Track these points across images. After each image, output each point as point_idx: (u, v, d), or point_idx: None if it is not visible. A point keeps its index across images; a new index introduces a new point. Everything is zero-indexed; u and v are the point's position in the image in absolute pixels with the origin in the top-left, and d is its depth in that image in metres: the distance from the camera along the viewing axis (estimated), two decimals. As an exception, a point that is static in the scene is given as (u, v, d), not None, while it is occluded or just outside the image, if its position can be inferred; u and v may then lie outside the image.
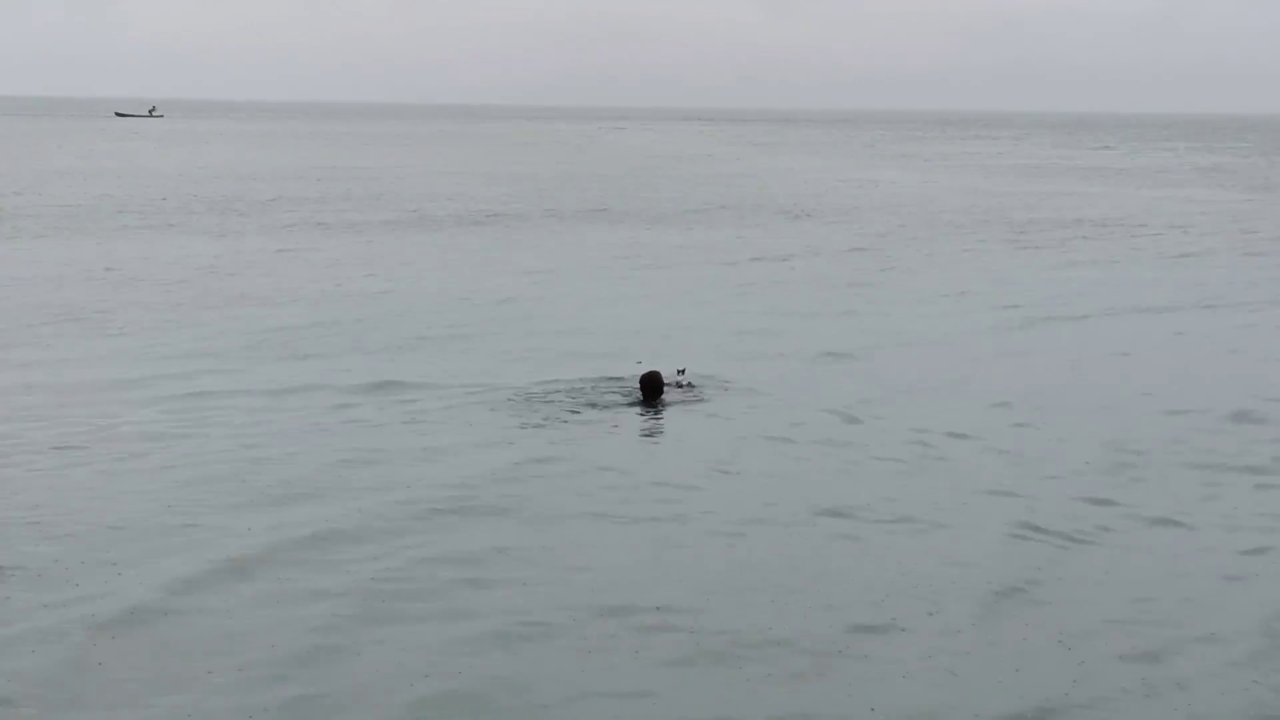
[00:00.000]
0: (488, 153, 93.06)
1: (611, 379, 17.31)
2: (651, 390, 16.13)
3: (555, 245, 34.69)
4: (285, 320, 22.24)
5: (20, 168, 64.02)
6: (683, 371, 17.05)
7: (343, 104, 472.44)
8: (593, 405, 16.01)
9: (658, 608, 9.85)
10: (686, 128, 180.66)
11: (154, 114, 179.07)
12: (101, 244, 33.33)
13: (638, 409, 15.89)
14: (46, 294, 24.81)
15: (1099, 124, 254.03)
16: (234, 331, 21.11)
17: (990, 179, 68.12)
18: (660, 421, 15.52)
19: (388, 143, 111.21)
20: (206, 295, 24.92)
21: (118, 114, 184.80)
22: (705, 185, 59.71)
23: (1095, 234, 39.25)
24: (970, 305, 25.22)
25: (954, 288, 27.47)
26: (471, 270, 29.46)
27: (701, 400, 16.45)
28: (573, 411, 15.73)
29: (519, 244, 34.79)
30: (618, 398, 16.38)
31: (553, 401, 16.17)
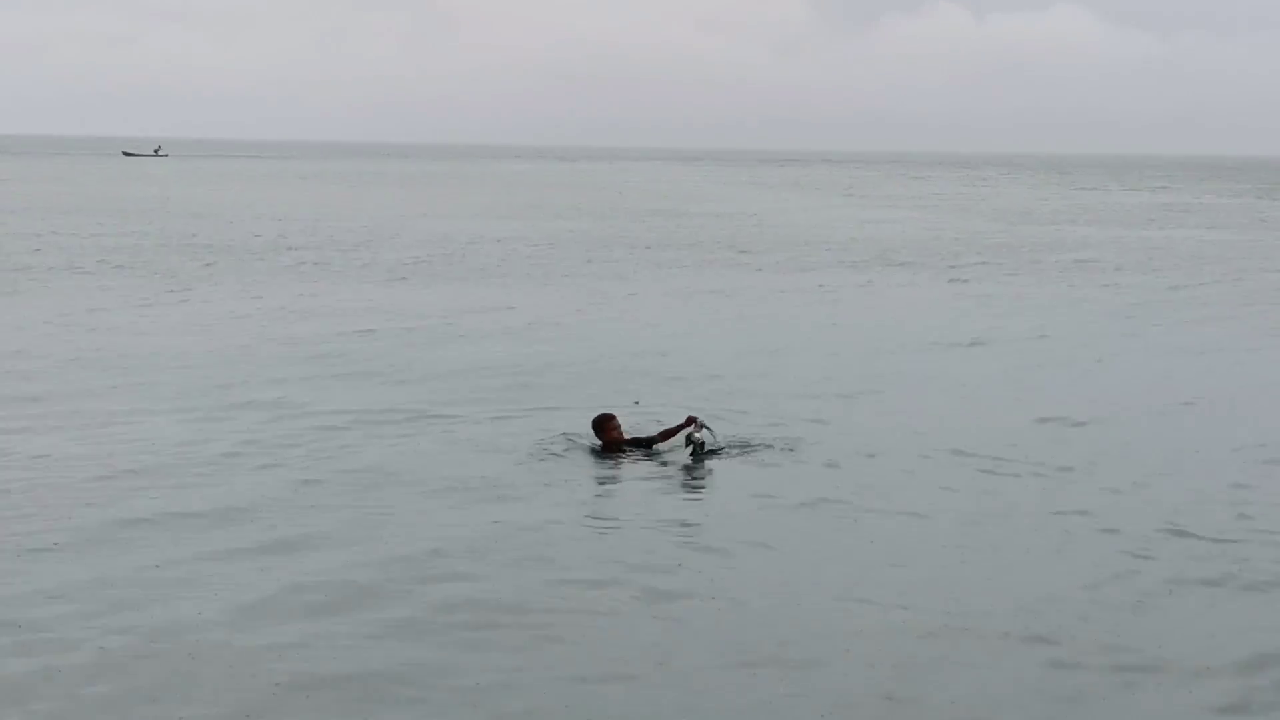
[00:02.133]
0: (527, 193, 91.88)
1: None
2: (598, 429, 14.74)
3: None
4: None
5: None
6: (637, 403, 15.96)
7: (348, 144, 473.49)
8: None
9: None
10: (692, 169, 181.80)
11: (159, 153, 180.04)
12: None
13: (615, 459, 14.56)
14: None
15: (1102, 164, 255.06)
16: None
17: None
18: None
19: (421, 183, 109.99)
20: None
21: (125, 153, 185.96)
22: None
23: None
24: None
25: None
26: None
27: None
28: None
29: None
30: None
31: None
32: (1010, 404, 18.84)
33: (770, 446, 15.20)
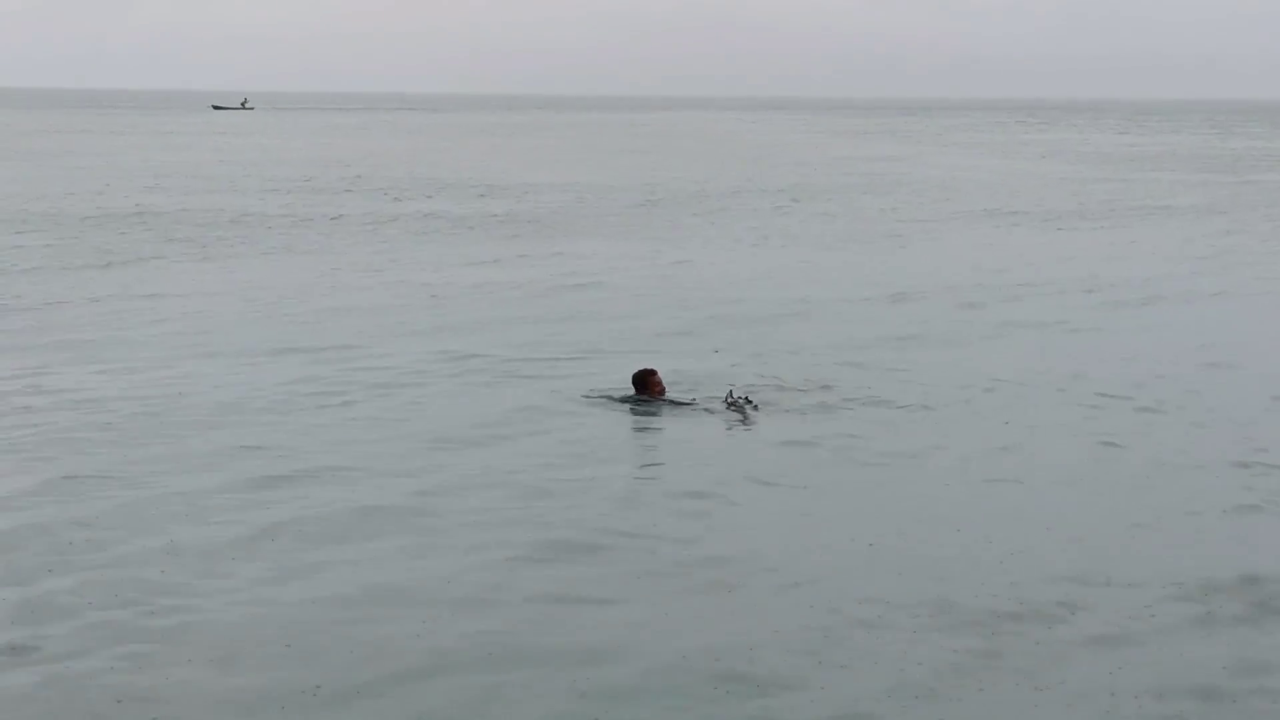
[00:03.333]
0: (650, 143, 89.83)
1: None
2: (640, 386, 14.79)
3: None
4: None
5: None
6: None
7: (432, 95, 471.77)
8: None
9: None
10: (787, 118, 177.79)
11: (245, 106, 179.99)
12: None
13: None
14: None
15: (1204, 110, 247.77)
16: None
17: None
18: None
19: (543, 133, 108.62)
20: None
21: (214, 107, 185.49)
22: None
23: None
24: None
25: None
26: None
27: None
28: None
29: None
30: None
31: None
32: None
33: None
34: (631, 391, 14.85)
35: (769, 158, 72.84)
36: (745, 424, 13.97)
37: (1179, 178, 58.31)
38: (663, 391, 14.72)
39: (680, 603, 9.34)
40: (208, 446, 12.96)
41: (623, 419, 14.32)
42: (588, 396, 15.01)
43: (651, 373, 14.84)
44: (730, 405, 14.28)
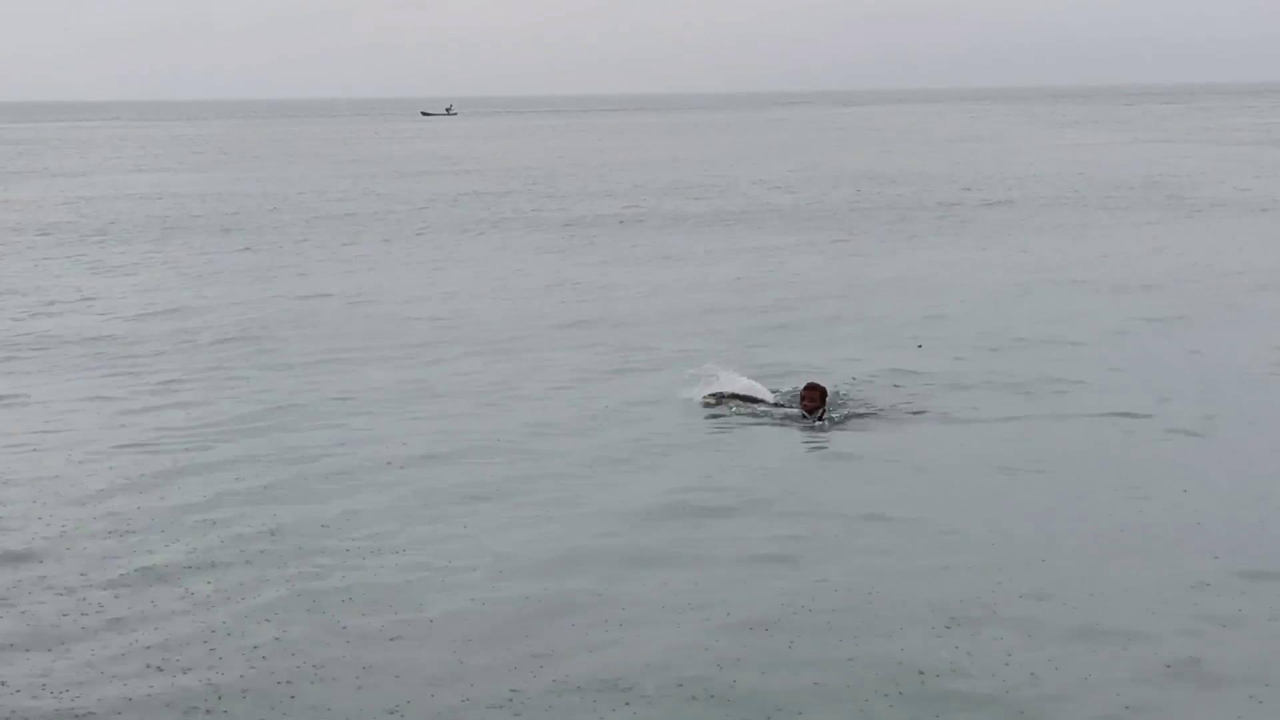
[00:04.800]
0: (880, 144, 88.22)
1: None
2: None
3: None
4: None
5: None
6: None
7: (630, 96, 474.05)
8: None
9: None
10: (1002, 108, 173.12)
11: (450, 112, 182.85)
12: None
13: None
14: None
15: None
16: None
17: None
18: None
19: (779, 130, 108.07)
20: None
21: (423, 113, 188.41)
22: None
23: None
24: None
25: None
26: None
27: None
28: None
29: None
30: None
31: None
32: None
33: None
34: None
35: (1016, 153, 70.21)
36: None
37: None
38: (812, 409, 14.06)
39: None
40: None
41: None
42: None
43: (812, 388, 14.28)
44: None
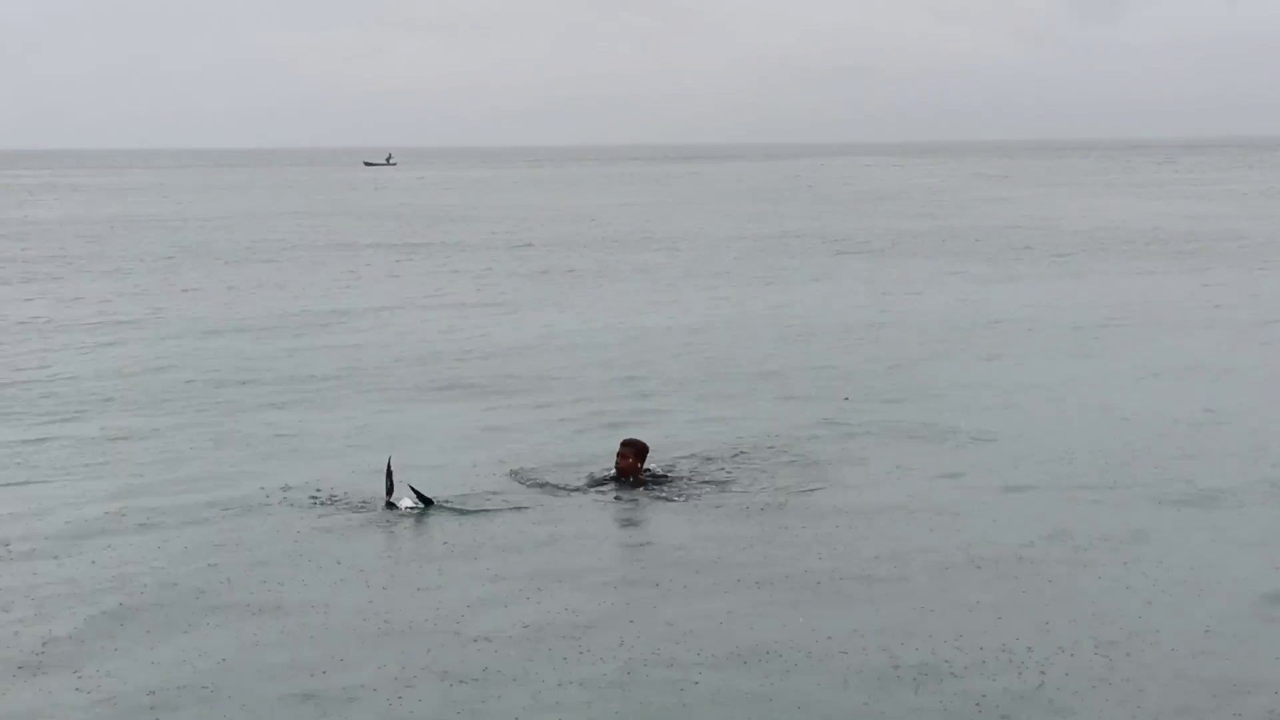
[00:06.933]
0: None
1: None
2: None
3: None
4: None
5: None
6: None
7: (596, 147, 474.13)
8: None
9: None
10: (971, 162, 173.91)
11: (390, 162, 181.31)
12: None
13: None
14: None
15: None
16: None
17: None
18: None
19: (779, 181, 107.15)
20: None
21: (365, 163, 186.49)
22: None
23: None
24: None
25: None
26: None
27: None
28: None
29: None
30: None
31: None
32: None
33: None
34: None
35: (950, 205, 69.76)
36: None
37: None
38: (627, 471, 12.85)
39: None
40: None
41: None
42: None
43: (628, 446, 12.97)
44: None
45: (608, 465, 13.29)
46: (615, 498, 12.66)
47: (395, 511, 12.16)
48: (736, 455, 14.23)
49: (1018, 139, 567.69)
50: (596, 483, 12.97)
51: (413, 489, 12.32)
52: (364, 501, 12.56)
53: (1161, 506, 12.46)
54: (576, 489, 12.88)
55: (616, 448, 13.17)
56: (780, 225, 53.70)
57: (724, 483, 13.10)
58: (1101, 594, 10.07)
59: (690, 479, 13.13)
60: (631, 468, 12.83)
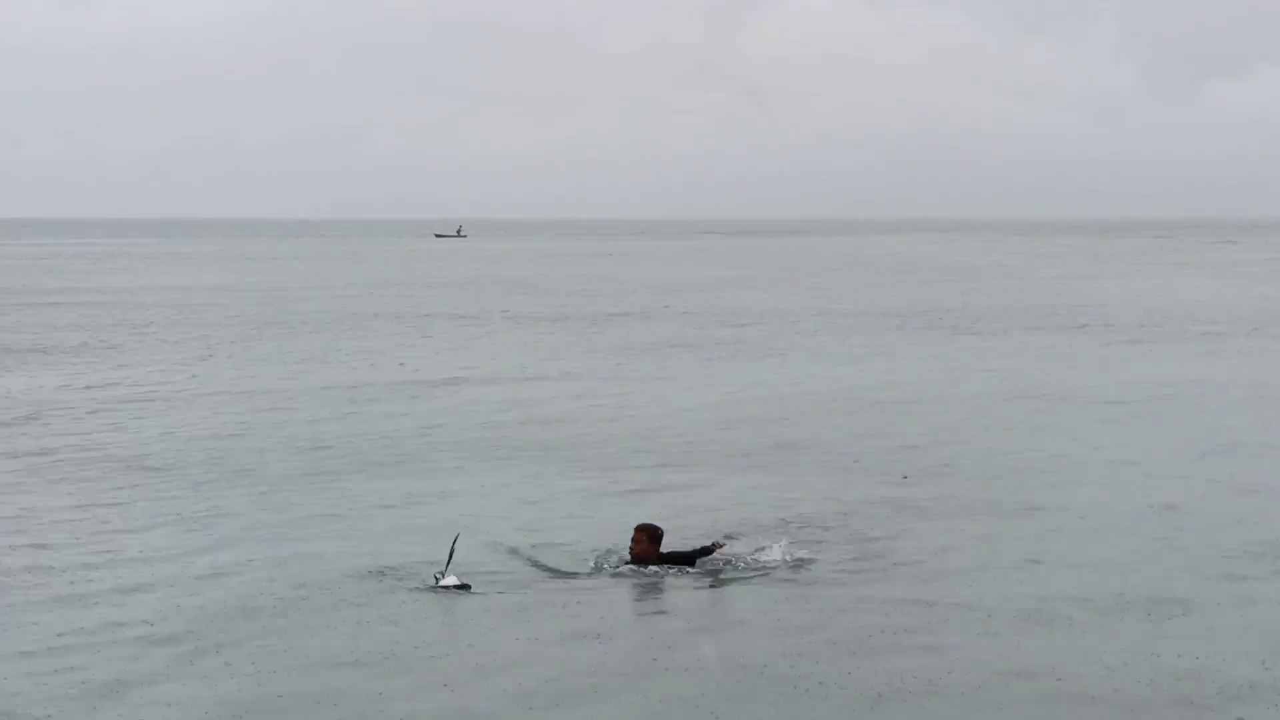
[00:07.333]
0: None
1: None
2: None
3: None
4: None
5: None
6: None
7: (649, 220, 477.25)
8: None
9: None
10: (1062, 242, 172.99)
11: (460, 234, 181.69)
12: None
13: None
14: None
15: None
16: None
17: None
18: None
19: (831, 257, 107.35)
20: None
21: (436, 235, 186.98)
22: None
23: None
24: None
25: None
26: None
27: None
28: None
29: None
30: None
31: None
32: None
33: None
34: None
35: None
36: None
37: None
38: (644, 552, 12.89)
39: None
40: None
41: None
42: None
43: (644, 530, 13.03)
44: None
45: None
46: (633, 584, 12.58)
47: (438, 587, 12.11)
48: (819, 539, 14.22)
49: (1091, 217, 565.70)
50: (612, 565, 12.98)
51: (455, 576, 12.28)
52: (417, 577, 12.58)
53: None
54: (587, 573, 12.81)
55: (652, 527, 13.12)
56: (855, 301, 53.40)
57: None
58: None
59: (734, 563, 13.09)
60: (646, 552, 12.74)
